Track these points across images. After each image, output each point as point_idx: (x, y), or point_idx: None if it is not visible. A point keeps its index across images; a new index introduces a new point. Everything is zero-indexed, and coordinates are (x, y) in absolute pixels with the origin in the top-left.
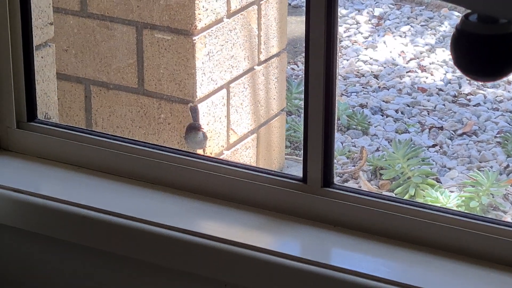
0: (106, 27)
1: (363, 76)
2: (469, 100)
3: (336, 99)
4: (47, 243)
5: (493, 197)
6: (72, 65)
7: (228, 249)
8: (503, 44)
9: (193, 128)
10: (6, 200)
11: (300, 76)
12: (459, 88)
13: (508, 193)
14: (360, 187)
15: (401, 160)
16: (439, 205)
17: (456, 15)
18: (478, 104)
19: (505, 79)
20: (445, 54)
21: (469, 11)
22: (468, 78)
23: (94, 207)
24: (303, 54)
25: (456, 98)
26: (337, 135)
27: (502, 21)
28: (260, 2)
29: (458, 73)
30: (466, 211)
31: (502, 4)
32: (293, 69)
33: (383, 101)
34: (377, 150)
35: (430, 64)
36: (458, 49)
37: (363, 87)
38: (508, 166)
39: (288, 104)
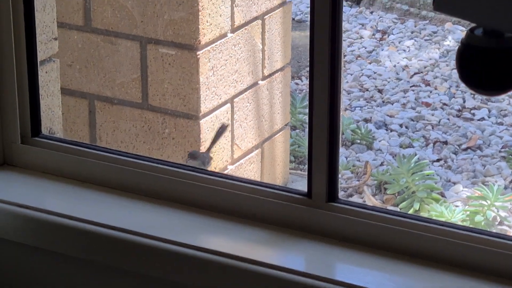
0: (110, 42)
1: (367, 90)
2: (474, 114)
3: (341, 113)
4: (52, 258)
5: (498, 212)
6: (77, 80)
7: (233, 264)
8: (508, 58)
9: (192, 156)
10: (10, 215)
11: (304, 91)
12: (463, 102)
13: None
14: (365, 201)
15: (406, 175)
16: (443, 219)
17: (460, 29)
18: (482, 119)
19: (510, 93)
20: (449, 68)
21: (474, 25)
22: (473, 92)
23: (99, 222)
24: (307, 69)
25: (460, 113)
26: (341, 150)
27: (507, 35)
28: (264, 17)
29: (462, 87)
30: (471, 226)
31: (507, 18)
32: (297, 83)
33: (388, 115)
34: (382, 164)
35: (434, 78)
36: (463, 63)
37: (367, 102)
38: None
39: (292, 118)
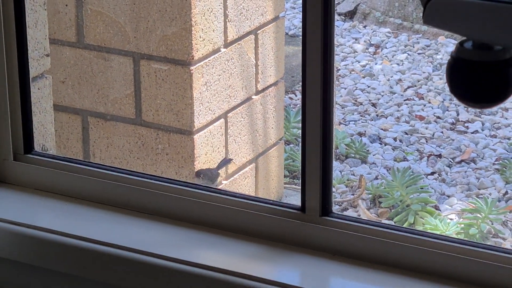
0: (103, 58)
1: (361, 104)
2: (467, 127)
3: (334, 127)
4: (45, 275)
5: (492, 224)
6: (69, 97)
7: (227, 280)
8: (498, 70)
9: (198, 175)
10: (3, 233)
11: (298, 105)
12: (457, 116)
13: (507, 220)
14: (359, 215)
15: (400, 188)
16: (438, 232)
17: (453, 43)
18: (476, 131)
19: (501, 105)
20: (442, 81)
21: (464, 38)
22: (465, 106)
23: (92, 238)
24: (301, 83)
25: (454, 126)
26: (335, 164)
27: (497, 48)
28: (257, 32)
29: (456, 100)
30: (465, 239)
31: (497, 31)
32: (291, 98)
33: (381, 129)
34: (376, 178)
35: (427, 91)
36: (453, 76)
37: (361, 116)
38: (506, 192)
39: (286, 133)
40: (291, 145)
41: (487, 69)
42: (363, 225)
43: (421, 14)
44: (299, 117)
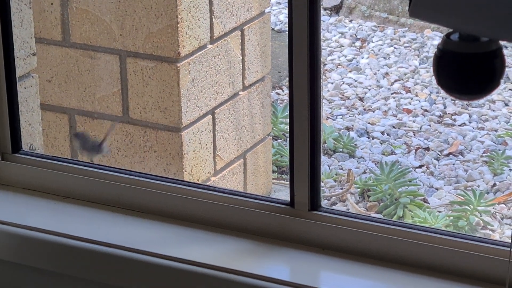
0: (90, 56)
1: (348, 98)
2: (455, 120)
3: (322, 122)
4: (35, 274)
5: (481, 216)
6: (56, 95)
7: (217, 275)
8: (485, 62)
9: (79, 137)
10: None
11: (285, 101)
12: (444, 108)
13: (495, 212)
14: (348, 209)
15: (388, 182)
16: (427, 225)
17: (440, 35)
18: (463, 124)
19: (488, 97)
20: (429, 74)
21: (450, 30)
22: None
23: (82, 237)
24: (288, 79)
25: (441, 119)
26: (324, 159)
27: (483, 39)
28: (243, 28)
29: (443, 93)
30: (454, 231)
31: (483, 23)
32: (278, 93)
33: (369, 123)
34: (364, 172)
35: (414, 85)
36: (440, 69)
37: (348, 110)
38: (495, 184)
39: (274, 128)
40: (279, 141)
41: (474, 60)
42: (352, 219)
43: (407, 8)
44: (287, 113)
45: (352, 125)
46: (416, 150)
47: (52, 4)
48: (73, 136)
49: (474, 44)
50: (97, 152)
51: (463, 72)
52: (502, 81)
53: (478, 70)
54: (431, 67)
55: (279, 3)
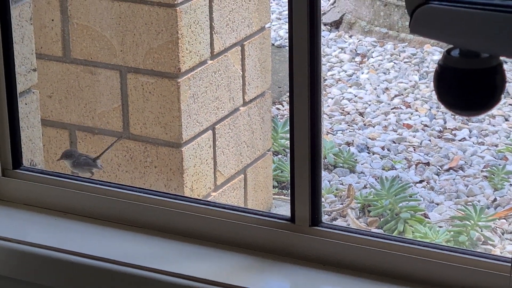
0: (90, 72)
1: (349, 114)
2: (455, 135)
3: (322, 137)
4: None
5: (481, 231)
6: (57, 111)
7: None
8: (485, 78)
9: (66, 156)
10: None
11: (286, 116)
12: (444, 123)
13: (496, 227)
14: (349, 225)
15: (389, 197)
16: (428, 240)
17: (439, 51)
18: (463, 139)
19: (489, 113)
20: (429, 89)
21: (451, 46)
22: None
23: (82, 253)
24: (288, 94)
25: (441, 134)
26: (324, 174)
27: (483, 55)
28: (243, 43)
29: (443, 108)
30: (455, 246)
31: (483, 39)
32: (278, 109)
33: (369, 138)
34: (365, 187)
35: (414, 100)
36: (441, 84)
37: (348, 125)
38: (495, 199)
39: (274, 144)
40: (279, 156)
41: (474, 76)
42: (353, 235)
43: (407, 23)
44: (287, 128)
45: (352, 140)
46: (416, 165)
47: (52, 20)
48: (62, 156)
49: (474, 60)
50: (91, 167)
51: (464, 88)
52: (502, 96)
53: (478, 86)
54: (431, 82)
55: (279, 19)
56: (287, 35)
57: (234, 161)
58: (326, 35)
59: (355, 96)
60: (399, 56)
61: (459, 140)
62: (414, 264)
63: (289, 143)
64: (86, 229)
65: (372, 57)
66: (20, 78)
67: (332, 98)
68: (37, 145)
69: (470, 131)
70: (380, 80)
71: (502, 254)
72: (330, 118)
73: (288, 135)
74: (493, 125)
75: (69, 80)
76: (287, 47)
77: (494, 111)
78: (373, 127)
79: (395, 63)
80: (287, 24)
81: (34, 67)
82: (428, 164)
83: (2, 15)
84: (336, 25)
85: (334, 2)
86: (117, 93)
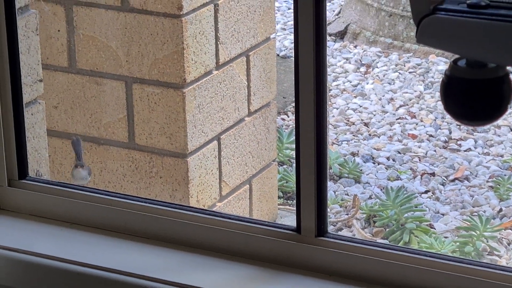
0: (96, 82)
1: (354, 124)
2: (460, 145)
3: (328, 148)
4: None
5: (487, 242)
6: (62, 122)
7: None
8: (492, 88)
9: (76, 166)
10: None
11: (291, 126)
12: (450, 134)
13: (502, 237)
14: (354, 235)
15: (394, 207)
16: (433, 251)
17: (444, 61)
18: (469, 149)
19: (494, 123)
20: (434, 100)
21: (457, 56)
22: (459, 123)
23: (88, 263)
24: (293, 104)
25: (446, 144)
26: (329, 184)
27: (490, 66)
28: (249, 53)
29: (448, 118)
30: (461, 257)
31: (489, 49)
32: (283, 119)
33: (374, 148)
34: (370, 198)
35: (419, 110)
36: (447, 95)
37: (353, 135)
38: (501, 210)
39: (280, 154)
40: (284, 166)
41: (481, 86)
42: (359, 245)
43: (412, 34)
44: (292, 138)
45: (358, 151)
46: (421, 175)
47: (59, 30)
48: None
49: (481, 70)
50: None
51: (471, 98)
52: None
53: (485, 96)
54: (436, 92)
55: (284, 29)
56: (292, 45)
57: (239, 172)
58: (331, 46)
59: (360, 106)
60: (404, 66)
61: (465, 151)
62: (420, 275)
63: (294, 154)
64: (91, 240)
65: (377, 67)
66: (26, 89)
67: (337, 109)
68: (43, 156)
69: (476, 141)
70: (385, 90)
71: (508, 265)
72: (335, 128)
73: (293, 146)
74: (499, 135)
75: (74, 90)
76: (292, 58)
77: (499, 121)
78: (378, 137)
79: (400, 73)
80: (292, 34)
81: (40, 78)
82: (433, 174)
83: (8, 26)
84: (341, 35)
85: (339, 12)
86: (123, 103)
